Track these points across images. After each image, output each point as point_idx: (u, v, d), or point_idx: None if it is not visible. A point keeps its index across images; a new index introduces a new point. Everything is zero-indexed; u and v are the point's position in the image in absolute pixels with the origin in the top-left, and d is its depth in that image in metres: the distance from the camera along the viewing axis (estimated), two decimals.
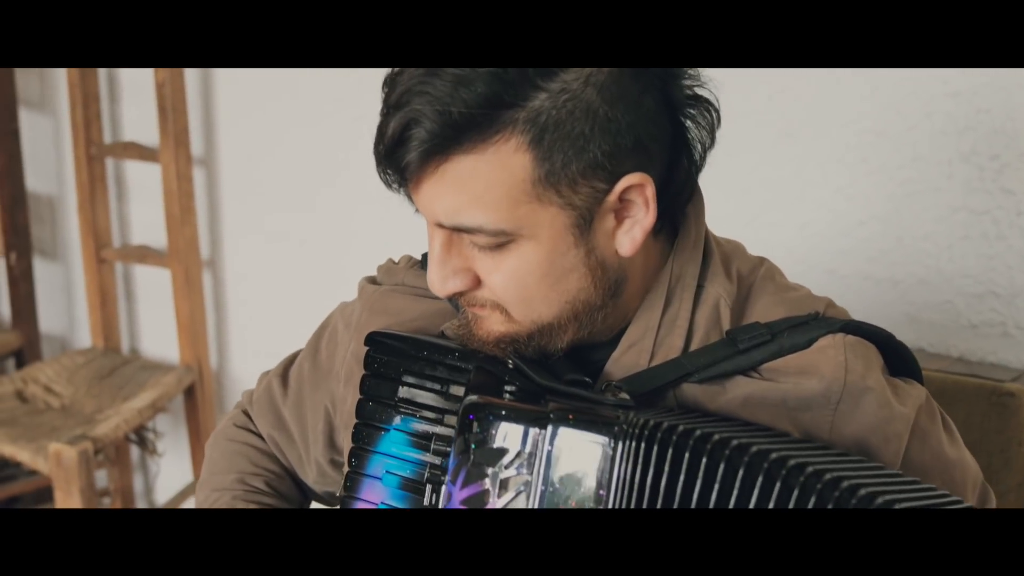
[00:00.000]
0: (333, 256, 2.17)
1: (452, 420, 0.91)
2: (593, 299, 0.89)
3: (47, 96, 2.55)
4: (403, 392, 0.95)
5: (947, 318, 1.48)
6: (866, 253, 1.53)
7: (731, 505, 0.79)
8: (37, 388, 2.28)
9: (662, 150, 0.88)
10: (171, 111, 2.16)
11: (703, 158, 0.92)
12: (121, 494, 2.45)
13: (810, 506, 0.76)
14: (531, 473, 0.83)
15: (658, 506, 0.80)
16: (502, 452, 0.84)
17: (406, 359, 0.95)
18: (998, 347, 1.44)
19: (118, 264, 2.48)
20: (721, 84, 0.91)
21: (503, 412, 0.85)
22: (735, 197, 1.60)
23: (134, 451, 2.54)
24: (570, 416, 0.83)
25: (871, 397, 0.89)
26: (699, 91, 0.89)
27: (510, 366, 0.91)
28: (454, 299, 0.94)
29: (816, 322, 0.92)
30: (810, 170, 1.56)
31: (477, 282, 0.89)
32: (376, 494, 0.95)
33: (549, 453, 0.83)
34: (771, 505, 0.78)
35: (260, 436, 1.15)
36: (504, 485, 0.84)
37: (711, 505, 0.79)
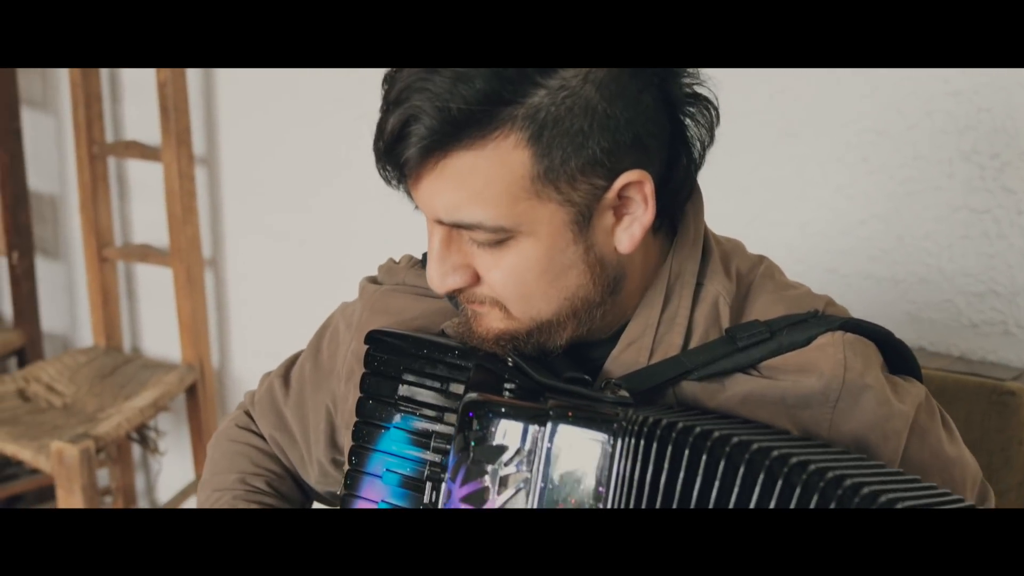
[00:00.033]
0: (334, 255, 2.18)
1: (452, 418, 0.91)
2: (592, 296, 0.89)
3: (49, 95, 2.55)
4: (403, 390, 0.95)
5: (948, 317, 1.48)
6: (867, 252, 1.53)
7: (732, 502, 0.78)
8: (39, 387, 2.28)
9: (661, 147, 0.88)
10: (173, 110, 2.16)
11: (702, 156, 0.92)
12: (123, 493, 2.46)
13: (812, 504, 0.76)
14: (531, 470, 0.83)
15: (658, 503, 0.80)
16: (502, 449, 0.84)
17: (406, 357, 0.95)
18: (999, 346, 1.45)
19: (120, 263, 2.48)
20: (721, 84, 0.91)
21: (503, 409, 0.85)
22: (736, 196, 1.61)
23: (136, 450, 2.54)
24: (569, 413, 0.83)
25: (870, 395, 0.89)
26: (698, 89, 0.90)
27: (510, 364, 0.91)
28: (454, 298, 0.95)
29: (815, 320, 0.92)
30: (811, 169, 1.56)
31: (476, 279, 0.89)
32: (376, 492, 0.95)
33: (548, 450, 0.83)
34: (772, 503, 0.77)
35: (262, 437, 1.15)
36: (504, 482, 0.84)
37: (711, 502, 0.79)
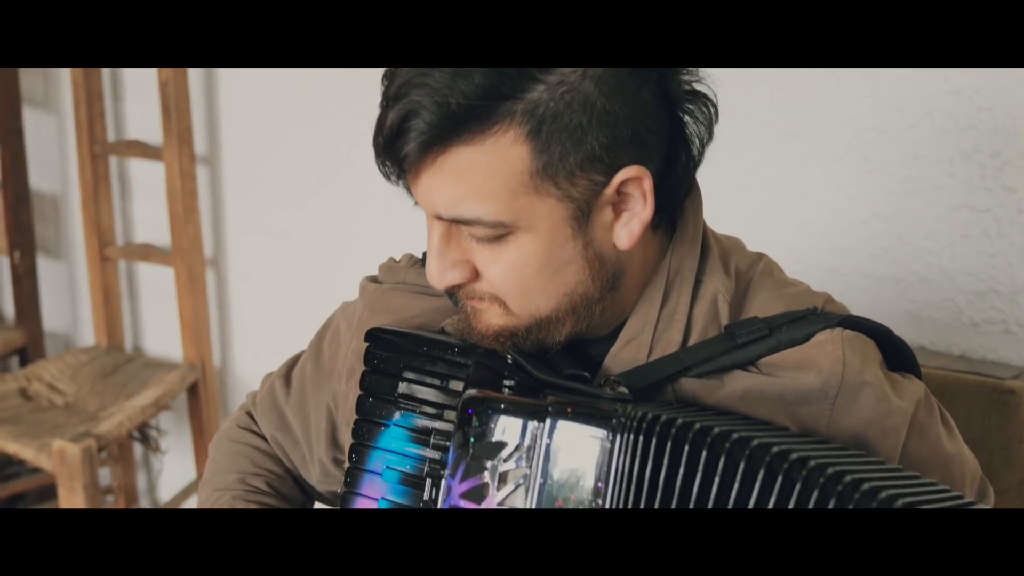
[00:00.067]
0: (335, 254, 2.18)
1: (452, 415, 0.91)
2: (591, 292, 0.89)
3: (51, 95, 2.55)
4: (403, 388, 0.95)
5: (948, 316, 1.48)
6: (867, 251, 1.53)
7: (732, 498, 0.79)
8: (41, 386, 2.28)
9: (660, 144, 0.88)
10: (174, 109, 2.16)
11: (701, 153, 0.92)
12: (124, 492, 2.46)
13: (813, 500, 0.76)
14: (530, 466, 0.83)
15: (657, 499, 0.80)
16: (501, 445, 0.84)
17: (406, 355, 0.95)
18: (999, 345, 1.45)
19: (121, 262, 2.48)
20: (722, 83, 0.91)
21: (502, 406, 0.85)
22: (736, 196, 1.61)
23: (137, 449, 2.54)
24: (568, 409, 0.83)
25: (869, 391, 0.89)
26: (697, 86, 0.90)
27: (509, 361, 0.91)
28: (454, 295, 0.95)
29: (814, 317, 0.92)
30: (811, 168, 1.56)
31: (476, 274, 0.89)
32: (376, 489, 0.96)
33: (548, 446, 0.83)
34: (773, 499, 0.77)
35: (263, 437, 1.15)
36: (503, 478, 0.84)
37: (711, 498, 0.79)
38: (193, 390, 2.31)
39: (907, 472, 0.84)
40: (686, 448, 0.80)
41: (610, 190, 0.85)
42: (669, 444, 0.80)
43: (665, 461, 0.80)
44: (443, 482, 0.87)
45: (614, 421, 0.82)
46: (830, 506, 0.76)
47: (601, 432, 0.82)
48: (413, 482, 0.94)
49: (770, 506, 0.78)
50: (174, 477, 2.51)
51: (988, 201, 1.42)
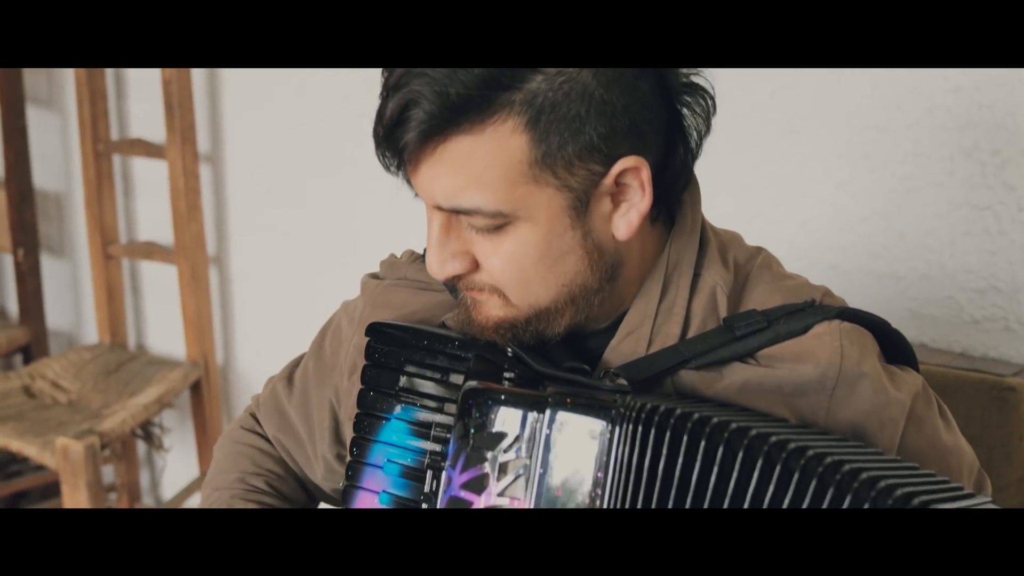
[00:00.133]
0: (338, 252, 2.18)
1: (452, 408, 0.91)
2: (590, 282, 0.89)
3: (54, 93, 2.56)
4: (404, 381, 0.95)
5: (949, 313, 1.48)
6: (868, 249, 1.53)
7: (731, 488, 0.79)
8: (44, 384, 2.29)
9: (657, 135, 0.88)
10: (178, 108, 2.17)
11: (699, 146, 0.92)
12: (127, 489, 2.46)
13: (811, 489, 0.76)
14: (530, 457, 0.84)
15: (656, 489, 0.81)
16: (501, 436, 0.85)
17: (407, 348, 0.95)
18: (1000, 342, 1.45)
19: (125, 260, 2.49)
20: (723, 81, 0.92)
21: (502, 397, 0.85)
22: (737, 193, 1.61)
23: (140, 446, 2.55)
24: (568, 400, 0.84)
25: (866, 383, 0.89)
26: (694, 79, 0.90)
27: (509, 354, 0.92)
28: (454, 288, 0.95)
29: (812, 309, 0.92)
30: (812, 166, 1.56)
31: (475, 265, 0.89)
32: (378, 483, 0.96)
33: (547, 437, 0.83)
34: (771, 488, 0.78)
35: (266, 438, 1.15)
36: (503, 469, 0.84)
37: (710, 488, 0.79)
38: (196, 388, 2.32)
39: (906, 463, 0.84)
40: (685, 438, 0.80)
41: (608, 180, 0.86)
42: (668, 434, 0.81)
43: (664, 451, 0.81)
44: (444, 473, 0.88)
45: (613, 412, 0.82)
46: (828, 495, 0.76)
47: (600, 423, 0.82)
48: (414, 475, 0.94)
49: (768, 495, 0.78)
50: (177, 475, 2.51)
51: (989, 199, 1.43)
